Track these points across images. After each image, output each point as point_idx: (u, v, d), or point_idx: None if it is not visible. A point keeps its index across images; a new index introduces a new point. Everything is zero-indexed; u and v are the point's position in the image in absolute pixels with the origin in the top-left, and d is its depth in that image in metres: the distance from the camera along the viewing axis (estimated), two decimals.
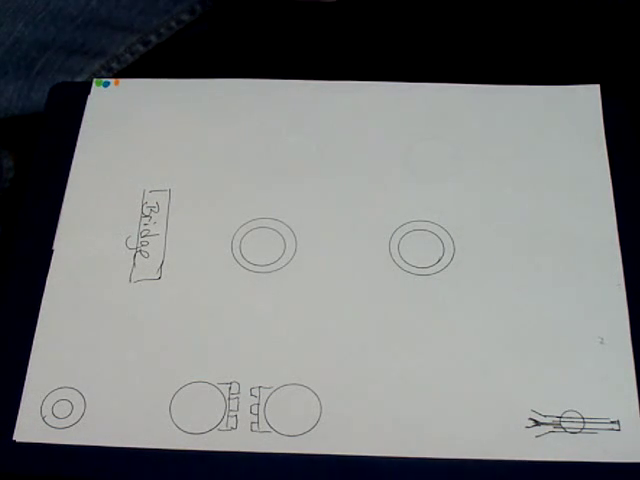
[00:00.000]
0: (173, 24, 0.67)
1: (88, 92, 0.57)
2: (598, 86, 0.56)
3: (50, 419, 0.47)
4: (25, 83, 0.62)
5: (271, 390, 0.47)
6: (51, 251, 0.51)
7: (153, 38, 0.67)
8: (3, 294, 0.50)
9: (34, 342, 0.48)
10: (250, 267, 0.51)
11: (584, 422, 0.46)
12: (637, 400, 0.46)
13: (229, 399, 0.47)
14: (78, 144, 0.55)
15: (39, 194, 0.53)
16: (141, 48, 0.67)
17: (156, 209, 0.53)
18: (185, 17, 0.68)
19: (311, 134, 0.55)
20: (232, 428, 0.46)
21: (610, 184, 0.52)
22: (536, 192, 0.52)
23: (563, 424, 0.46)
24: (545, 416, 0.46)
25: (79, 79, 0.65)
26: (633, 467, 0.45)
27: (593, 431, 0.46)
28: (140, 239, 0.52)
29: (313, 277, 0.50)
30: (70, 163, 0.54)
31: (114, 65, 0.66)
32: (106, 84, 0.57)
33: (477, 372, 0.47)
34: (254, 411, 0.47)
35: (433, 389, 0.47)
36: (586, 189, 0.52)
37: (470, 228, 0.51)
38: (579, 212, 0.52)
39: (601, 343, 0.48)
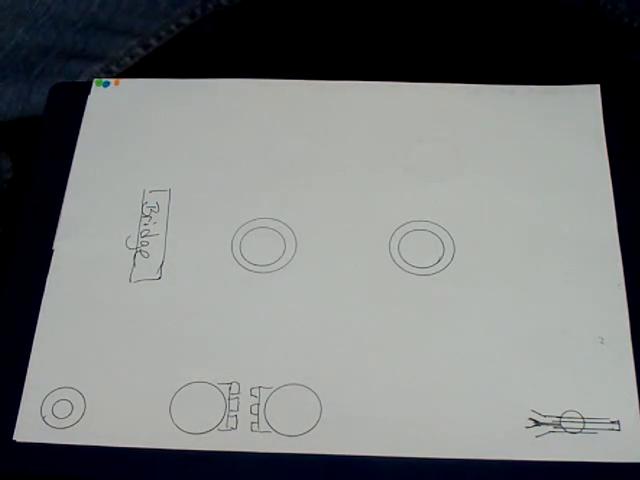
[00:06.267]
0: (173, 27, 0.67)
1: (88, 92, 0.57)
2: (598, 86, 0.56)
3: (50, 419, 0.47)
4: (24, 86, 0.62)
5: (271, 390, 0.47)
6: (51, 251, 0.51)
7: (153, 41, 0.67)
8: (3, 294, 0.50)
9: (34, 342, 0.48)
10: (250, 267, 0.51)
11: (584, 422, 0.46)
12: (637, 400, 0.46)
13: (229, 399, 0.47)
14: (78, 144, 0.55)
15: (39, 194, 0.53)
16: (141, 51, 0.67)
17: (156, 209, 0.53)
18: (185, 20, 0.68)
19: (311, 134, 0.55)
20: (232, 428, 0.46)
21: (610, 184, 0.52)
22: (536, 192, 0.52)
23: (563, 424, 0.46)
24: (545, 416, 0.46)
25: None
26: (633, 467, 0.45)
27: (593, 431, 0.46)
28: (140, 239, 0.52)
29: (313, 277, 0.50)
30: (70, 163, 0.54)
31: (114, 68, 0.66)
32: (106, 84, 0.57)
33: (477, 372, 0.47)
34: (254, 411, 0.47)
35: (433, 389, 0.47)
36: (586, 189, 0.52)
37: (470, 228, 0.51)
38: (579, 212, 0.52)
39: (601, 343, 0.48)
